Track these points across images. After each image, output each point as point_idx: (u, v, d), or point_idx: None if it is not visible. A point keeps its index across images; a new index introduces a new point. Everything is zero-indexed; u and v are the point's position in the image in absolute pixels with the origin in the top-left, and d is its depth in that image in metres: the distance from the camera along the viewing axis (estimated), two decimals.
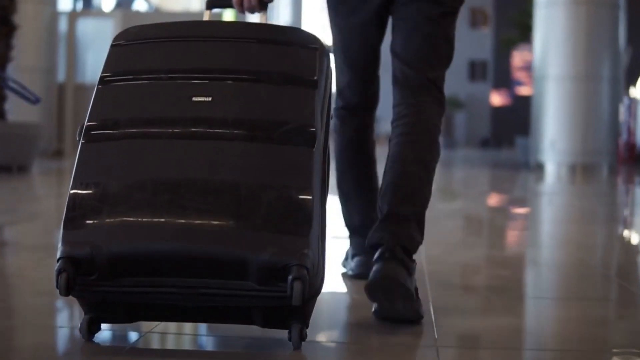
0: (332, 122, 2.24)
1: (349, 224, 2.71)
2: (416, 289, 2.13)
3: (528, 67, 37.45)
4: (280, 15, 27.45)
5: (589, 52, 11.57)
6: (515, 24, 16.64)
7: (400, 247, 2.07)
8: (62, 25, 13.25)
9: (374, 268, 2.04)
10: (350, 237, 2.72)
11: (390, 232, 2.09)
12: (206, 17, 2.18)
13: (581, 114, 11.61)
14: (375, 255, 2.08)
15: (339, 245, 3.22)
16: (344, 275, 2.75)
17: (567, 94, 11.63)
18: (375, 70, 2.53)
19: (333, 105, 2.50)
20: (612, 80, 11.78)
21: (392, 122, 2.29)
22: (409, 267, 2.07)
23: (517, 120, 36.54)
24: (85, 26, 13.51)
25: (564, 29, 11.62)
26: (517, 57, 37.35)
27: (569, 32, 11.58)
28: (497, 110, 36.00)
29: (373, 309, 2.08)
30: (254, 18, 2.26)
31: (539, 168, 11.96)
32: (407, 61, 2.31)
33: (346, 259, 2.81)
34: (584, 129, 11.60)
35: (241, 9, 2.23)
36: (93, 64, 13.35)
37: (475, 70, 34.23)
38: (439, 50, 2.32)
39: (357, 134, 2.59)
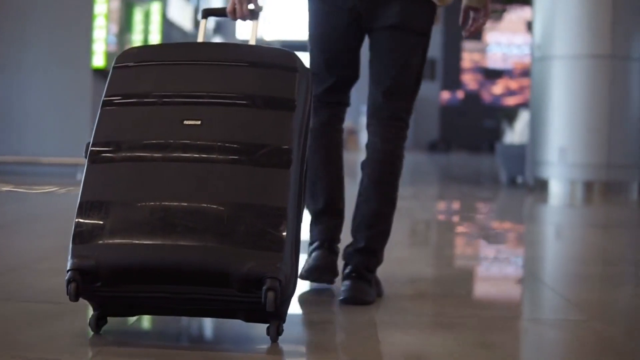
0: None
1: (312, 210, 2.90)
2: (376, 281, 2.77)
3: (477, 69, 36.64)
4: (212, 5, 24.57)
5: (615, 23, 8.15)
6: None
7: (367, 270, 2.70)
8: None
9: (345, 283, 2.68)
10: (312, 227, 2.92)
11: (363, 261, 2.70)
12: (202, 26, 2.53)
13: (602, 110, 8.20)
14: (346, 272, 2.72)
15: None
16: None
17: (581, 82, 8.23)
18: (349, 57, 2.81)
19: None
20: None
21: (366, 146, 2.76)
22: (370, 281, 2.71)
23: (468, 122, 35.60)
24: None
25: None
26: (467, 58, 36.08)
27: None
28: (446, 112, 35.55)
29: (340, 293, 2.67)
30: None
31: (541, 187, 8.54)
32: (382, 90, 2.72)
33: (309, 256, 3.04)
34: (605, 132, 8.21)
35: (234, 18, 2.55)
36: None
37: (424, 69, 32.29)
38: (412, 80, 2.73)
39: (327, 122, 2.84)
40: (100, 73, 9.41)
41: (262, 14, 2.54)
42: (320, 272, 2.84)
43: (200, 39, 2.53)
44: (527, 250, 4.67)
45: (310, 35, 2.81)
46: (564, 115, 8.35)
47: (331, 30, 2.75)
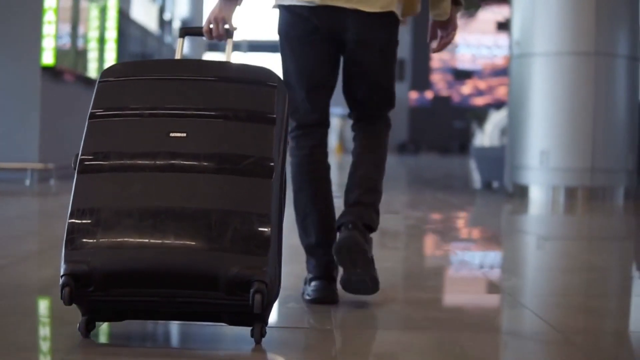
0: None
1: (306, 244, 2.96)
2: (372, 258, 2.76)
3: (446, 69, 36.44)
4: (177, 4, 24.11)
5: (598, 18, 7.70)
6: None
7: (362, 223, 2.75)
8: None
9: (340, 235, 2.74)
10: (308, 259, 2.98)
11: (355, 214, 2.77)
12: (179, 45, 2.64)
13: (586, 110, 7.76)
14: (342, 228, 2.75)
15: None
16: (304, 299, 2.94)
17: (564, 81, 7.78)
18: (329, 85, 2.92)
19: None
20: (630, 61, 7.92)
21: (354, 137, 2.98)
22: (367, 238, 2.77)
23: (437, 123, 35.41)
24: None
25: None
26: (436, 58, 35.89)
27: None
28: (415, 113, 35.46)
29: (339, 279, 2.75)
30: None
31: (520, 193, 8.07)
32: (357, 102, 2.93)
33: (305, 283, 3.01)
34: (589, 134, 7.78)
35: (210, 37, 2.70)
36: None
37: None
38: (385, 94, 2.91)
39: (311, 153, 2.92)
40: (49, 71, 8.81)
41: (236, 34, 2.69)
42: (321, 303, 2.89)
43: (177, 57, 2.62)
44: (505, 268, 4.21)
45: (286, 71, 2.89)
46: (545, 116, 7.90)
47: (309, 64, 2.86)
